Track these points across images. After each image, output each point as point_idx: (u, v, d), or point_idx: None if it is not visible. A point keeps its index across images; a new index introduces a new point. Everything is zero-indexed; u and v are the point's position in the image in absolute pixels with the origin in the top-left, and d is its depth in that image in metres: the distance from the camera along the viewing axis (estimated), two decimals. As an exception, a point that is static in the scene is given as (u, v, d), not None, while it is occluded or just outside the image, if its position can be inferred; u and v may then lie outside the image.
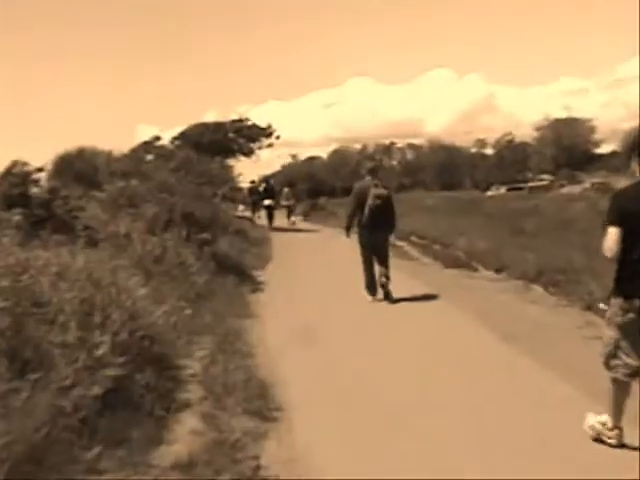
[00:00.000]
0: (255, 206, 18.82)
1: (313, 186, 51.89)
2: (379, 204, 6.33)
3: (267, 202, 17.73)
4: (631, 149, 2.88)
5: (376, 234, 6.40)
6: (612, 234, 2.75)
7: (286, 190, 20.46)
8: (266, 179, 20.69)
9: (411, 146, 62.61)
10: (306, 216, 24.82)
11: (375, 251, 6.44)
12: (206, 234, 7.32)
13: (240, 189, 18.50)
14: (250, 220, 17.72)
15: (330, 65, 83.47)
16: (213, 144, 18.81)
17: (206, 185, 9.42)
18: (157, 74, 76.63)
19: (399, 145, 63.69)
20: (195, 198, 8.01)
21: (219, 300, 5.76)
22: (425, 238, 12.58)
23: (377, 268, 6.42)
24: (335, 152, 63.15)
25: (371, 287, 6.43)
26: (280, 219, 19.40)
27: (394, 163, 63.18)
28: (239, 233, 11.63)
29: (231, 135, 20.08)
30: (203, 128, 19.69)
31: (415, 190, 45.90)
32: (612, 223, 2.76)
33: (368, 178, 6.52)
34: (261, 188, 18.60)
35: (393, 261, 9.12)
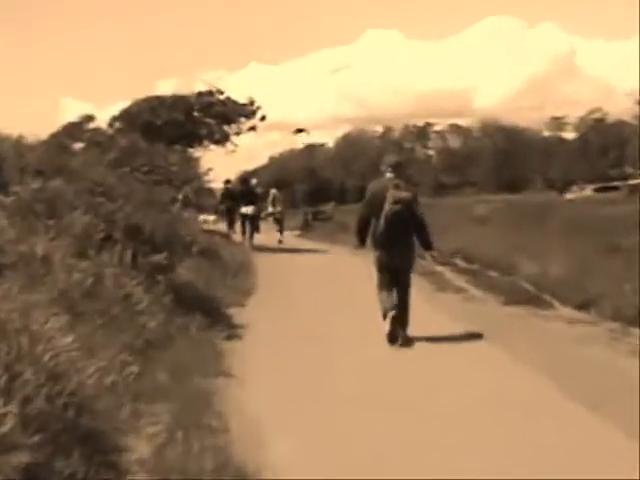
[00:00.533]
0: (231, 216, 19.02)
1: (315, 187, 52.32)
2: (399, 211, 6.65)
3: (245, 210, 17.90)
4: None
5: (394, 252, 6.76)
6: None
7: (274, 193, 20.61)
8: (244, 177, 20.91)
9: (455, 129, 63.22)
10: (304, 230, 24.97)
11: (394, 275, 6.80)
12: (161, 256, 7.36)
13: (210, 191, 18.66)
14: (225, 236, 17.86)
15: (338, 12, 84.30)
16: (171, 127, 18.94)
17: (161, 186, 9.53)
18: (87, 29, 77.61)
19: (438, 127, 64.39)
20: (145, 205, 8.05)
21: (179, 351, 5.82)
22: (475, 261, 12.67)
23: (397, 296, 6.78)
24: (346, 137, 63.83)
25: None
26: (268, 234, 19.53)
27: (431, 153, 63.82)
28: (208, 255, 11.69)
29: (197, 114, 20.13)
30: (156, 104, 19.64)
31: (462, 192, 46.24)
32: None
33: (388, 176, 6.84)
34: (238, 190, 18.77)
35: (428, 294, 9.09)
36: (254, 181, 24.99)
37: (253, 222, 17.98)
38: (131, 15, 78.71)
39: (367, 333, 6.98)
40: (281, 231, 20.21)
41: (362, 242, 6.99)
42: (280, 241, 19.67)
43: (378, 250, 6.86)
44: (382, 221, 6.69)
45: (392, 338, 6.65)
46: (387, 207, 6.67)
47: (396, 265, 6.84)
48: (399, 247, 6.77)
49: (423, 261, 13.21)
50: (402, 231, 6.72)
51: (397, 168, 6.90)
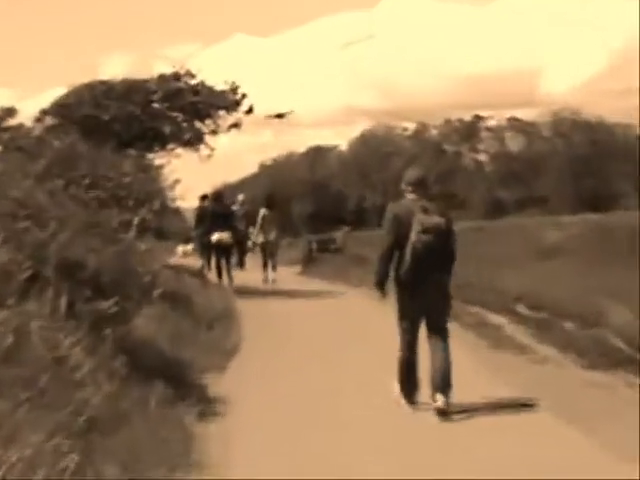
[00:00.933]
0: (208, 246, 19.13)
1: (321, 205, 52.52)
2: (429, 242, 6.94)
3: (218, 237, 17.92)
4: None
5: (424, 293, 7.08)
6: None
7: (263, 213, 20.26)
8: (217, 193, 20.58)
9: (516, 124, 63.45)
10: (307, 265, 24.95)
11: (426, 316, 7.22)
12: (108, 303, 7.36)
13: (178, 212, 18.67)
14: (198, 274, 17.93)
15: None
16: (122, 124, 18.93)
17: (109, 206, 9.52)
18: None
19: (491, 123, 64.62)
20: (86, 232, 8.09)
21: (134, 435, 5.80)
22: (545, 308, 12.63)
23: (430, 348, 7.22)
24: (364, 137, 64.26)
25: (410, 383, 7.24)
26: (257, 270, 19.49)
27: (481, 159, 64.03)
28: (175, 300, 11.70)
29: (158, 105, 20.05)
30: (101, 92, 19.75)
31: (525, 212, 46.25)
32: None
33: (411, 196, 7.17)
34: (210, 210, 18.75)
35: (477, 353, 9.01)
36: (240, 197, 24.90)
37: (228, 254, 18.14)
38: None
39: (393, 414, 7.02)
40: (273, 266, 20.08)
41: (382, 285, 7.20)
42: (272, 280, 19.66)
43: (401, 292, 7.12)
44: (407, 255, 6.95)
45: (413, 392, 7.20)
46: (414, 237, 6.91)
47: (428, 309, 7.16)
48: (430, 287, 7.05)
49: (473, 308, 13.34)
50: (434, 267, 6.99)
51: (420, 186, 7.21)
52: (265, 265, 20.11)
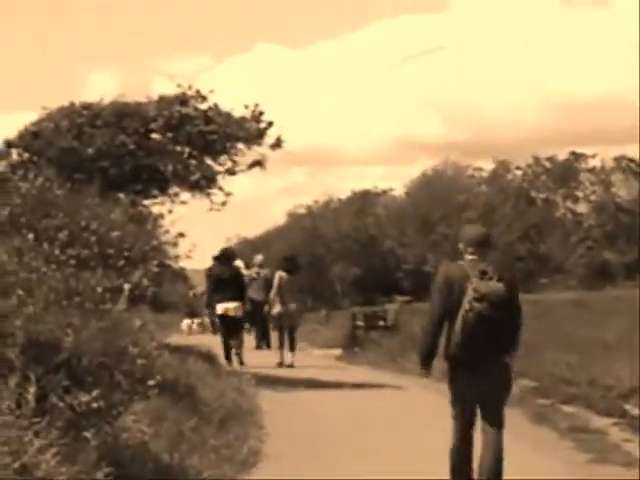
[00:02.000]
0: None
1: (369, 269, 52.46)
2: (484, 312, 7.40)
3: (224, 308, 18.30)
4: None
5: (479, 373, 7.61)
6: None
7: (279, 276, 20.31)
8: (226, 251, 20.63)
9: (625, 165, 63.40)
10: (350, 348, 24.89)
11: (480, 401, 7.79)
12: (91, 396, 7.41)
13: (181, 275, 18.78)
14: (208, 358, 18.01)
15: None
16: (111, 160, 19.11)
17: (92, 267, 9.60)
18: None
19: (593, 163, 64.58)
20: (62, 301, 8.14)
21: None
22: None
23: (482, 435, 7.80)
24: (425, 180, 64.34)
25: (462, 474, 7.81)
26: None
27: (581, 210, 63.85)
28: (176, 392, 11.72)
29: (158, 136, 20.24)
30: (84, 119, 19.93)
31: (638, 280, 45.84)
32: None
33: (470, 257, 7.72)
34: (215, 274, 18.92)
35: (573, 465, 8.97)
36: (259, 258, 25.48)
37: (238, 329, 18.62)
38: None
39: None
40: (292, 346, 20.30)
41: (427, 363, 7.85)
42: (289, 364, 19.89)
43: (451, 371, 7.76)
44: (458, 327, 7.46)
45: None
46: (466, 305, 7.38)
47: (482, 394, 7.71)
48: (487, 368, 7.62)
49: (569, 407, 13.24)
50: (491, 343, 7.49)
51: (483, 246, 7.76)
52: (281, 344, 20.33)
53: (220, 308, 18.13)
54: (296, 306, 20.41)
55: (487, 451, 7.65)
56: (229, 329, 18.32)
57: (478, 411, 7.86)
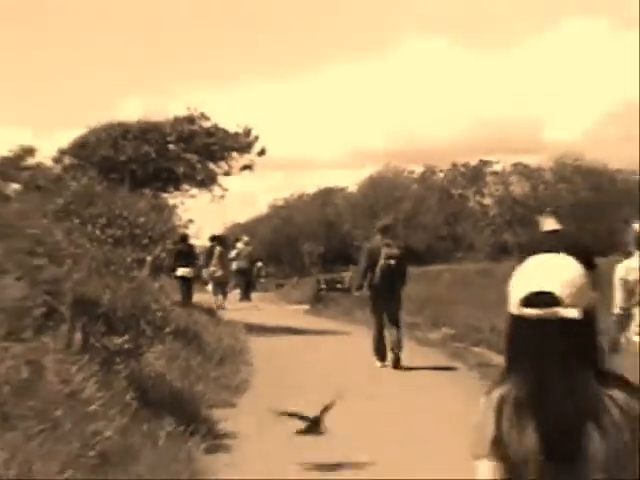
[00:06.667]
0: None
1: (331, 245, 52.36)
2: (391, 265, 11.28)
3: (182, 271, 18.08)
4: None
5: (388, 294, 11.43)
6: None
7: (219, 250, 21.82)
8: (183, 234, 20.22)
9: (520, 169, 63.27)
10: (315, 304, 24.90)
11: (387, 311, 11.61)
12: (122, 339, 7.40)
13: (190, 250, 18.72)
14: (209, 312, 18.01)
15: (366, 10, 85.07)
16: (138, 164, 19.01)
17: (124, 244, 9.58)
18: (25, 21, 79.10)
19: (496, 167, 64.46)
20: (102, 269, 8.15)
21: (144, 468, 5.78)
22: None
23: (388, 331, 11.55)
24: (373, 180, 64.04)
25: (380, 351, 11.72)
26: (272, 309, 19.33)
27: (486, 202, 63.66)
28: (186, 337, 11.68)
29: (173, 147, 20.18)
30: (118, 133, 19.90)
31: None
32: None
33: (378, 237, 11.63)
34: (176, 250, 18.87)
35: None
36: (245, 238, 27.10)
37: (190, 285, 18.61)
38: (83, 9, 76.65)
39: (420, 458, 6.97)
40: (224, 294, 22.35)
41: (360, 287, 11.87)
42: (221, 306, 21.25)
43: (373, 295, 11.64)
44: (378, 272, 11.30)
45: (383, 357, 11.64)
46: (381, 261, 11.26)
47: (387, 308, 11.59)
48: (391, 293, 11.51)
49: (477, 349, 13.28)
50: (393, 280, 11.43)
51: (386, 231, 11.69)
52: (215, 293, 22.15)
53: (180, 272, 18.03)
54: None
55: (392, 338, 11.49)
56: (185, 285, 18.24)
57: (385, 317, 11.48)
